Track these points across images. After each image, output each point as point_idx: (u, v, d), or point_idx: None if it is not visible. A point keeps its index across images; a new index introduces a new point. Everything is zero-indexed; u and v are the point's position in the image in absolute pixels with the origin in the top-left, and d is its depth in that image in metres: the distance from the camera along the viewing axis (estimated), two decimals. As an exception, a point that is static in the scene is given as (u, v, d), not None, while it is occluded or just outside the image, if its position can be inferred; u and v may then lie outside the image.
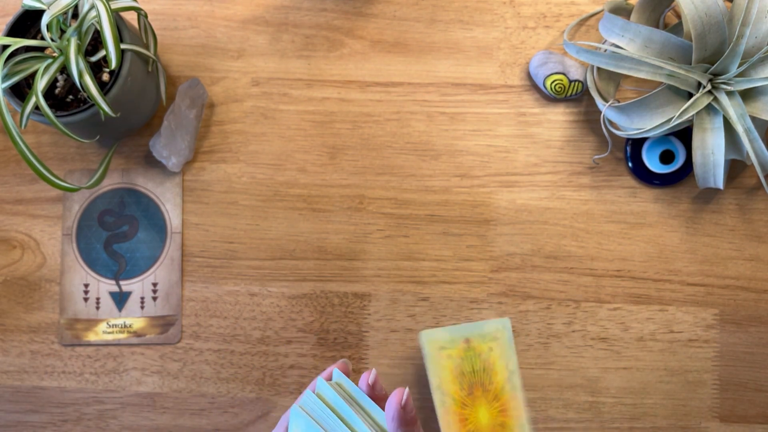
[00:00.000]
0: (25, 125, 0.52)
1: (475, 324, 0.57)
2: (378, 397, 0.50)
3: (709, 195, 0.62)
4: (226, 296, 0.63)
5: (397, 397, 0.46)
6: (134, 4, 0.55)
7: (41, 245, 0.64)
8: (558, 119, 0.63)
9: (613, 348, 0.62)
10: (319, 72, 0.64)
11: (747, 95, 0.57)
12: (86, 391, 0.63)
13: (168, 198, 0.64)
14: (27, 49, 0.56)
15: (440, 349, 0.56)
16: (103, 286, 0.64)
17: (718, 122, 0.57)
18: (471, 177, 0.63)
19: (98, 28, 0.51)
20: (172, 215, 0.64)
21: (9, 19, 0.56)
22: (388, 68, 0.64)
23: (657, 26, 0.62)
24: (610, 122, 0.62)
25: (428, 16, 0.64)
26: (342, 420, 0.48)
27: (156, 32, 0.61)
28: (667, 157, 0.62)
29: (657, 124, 0.57)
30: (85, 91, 0.52)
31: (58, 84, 0.57)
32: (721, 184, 0.58)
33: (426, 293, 0.62)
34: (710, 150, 0.58)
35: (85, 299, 0.63)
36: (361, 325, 0.63)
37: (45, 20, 0.52)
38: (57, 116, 0.53)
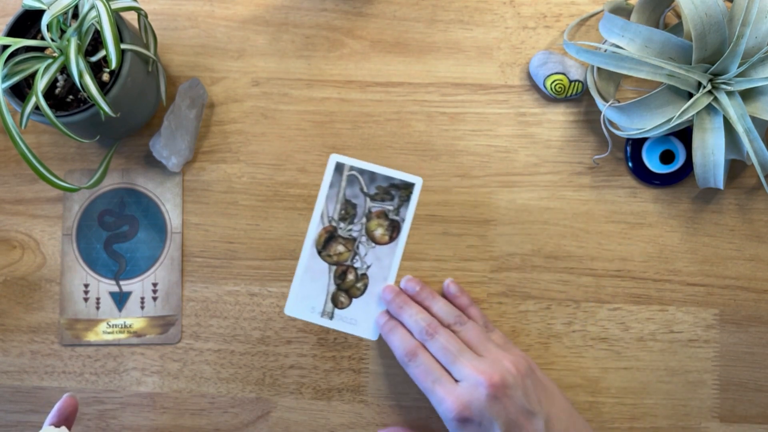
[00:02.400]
0: (25, 125, 0.52)
1: None
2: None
3: (709, 195, 0.62)
4: (226, 296, 0.63)
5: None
6: (134, 4, 0.55)
7: (41, 245, 0.64)
8: (558, 119, 0.63)
9: (613, 348, 0.62)
10: (319, 72, 0.64)
11: (747, 95, 0.57)
12: (86, 391, 0.63)
13: (168, 198, 0.64)
14: (27, 49, 0.56)
15: None
16: (103, 286, 0.64)
17: (718, 122, 0.57)
18: (471, 177, 0.63)
19: (98, 28, 0.51)
20: (172, 215, 0.64)
21: (9, 19, 0.56)
22: (388, 68, 0.64)
23: (657, 26, 0.62)
24: (610, 122, 0.62)
25: (428, 16, 0.64)
26: None
27: (156, 32, 0.61)
28: (667, 157, 0.62)
29: (657, 124, 0.57)
30: (85, 91, 0.52)
31: (58, 84, 0.57)
32: (721, 184, 0.58)
33: (426, 293, 0.62)
34: (710, 150, 0.58)
35: (85, 299, 0.63)
36: (361, 325, 0.63)
37: (45, 20, 0.52)
38: (57, 116, 0.53)
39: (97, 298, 0.63)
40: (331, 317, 0.60)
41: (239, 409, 0.63)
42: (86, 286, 0.64)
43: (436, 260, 0.62)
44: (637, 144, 0.62)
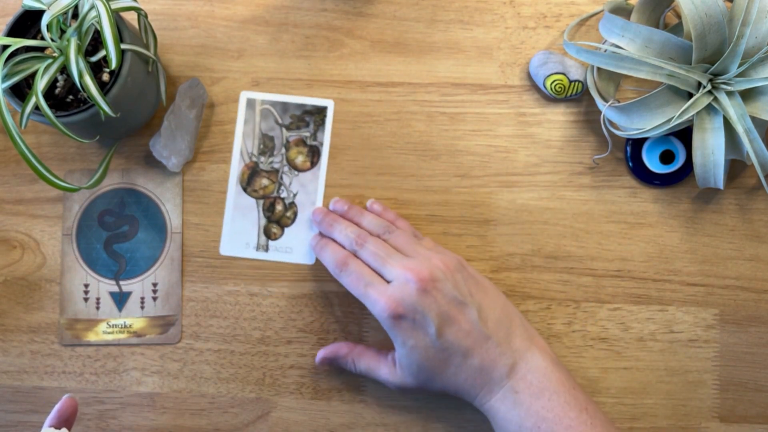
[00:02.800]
0: (25, 125, 0.52)
1: None
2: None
3: (709, 195, 0.62)
4: (226, 296, 0.63)
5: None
6: (134, 4, 0.55)
7: (41, 245, 0.64)
8: (558, 119, 0.63)
9: (613, 348, 0.62)
10: (319, 72, 0.64)
11: (747, 95, 0.57)
12: (86, 391, 0.63)
13: (168, 198, 0.64)
14: (27, 49, 0.56)
15: None
16: (103, 286, 0.64)
17: (718, 122, 0.57)
18: (471, 177, 0.63)
19: (98, 28, 0.51)
20: (172, 215, 0.64)
21: (9, 19, 0.56)
22: (388, 68, 0.64)
23: (657, 26, 0.62)
24: (610, 122, 0.62)
25: (428, 16, 0.64)
26: None
27: (156, 32, 0.61)
28: (667, 157, 0.62)
29: (657, 124, 0.57)
30: (85, 91, 0.52)
31: (58, 84, 0.57)
32: (721, 184, 0.58)
33: (426, 293, 0.62)
34: (710, 150, 0.58)
35: (85, 299, 0.63)
36: (361, 325, 0.63)
37: (45, 20, 0.52)
38: (57, 116, 0.53)
39: (97, 298, 0.63)
40: (267, 249, 0.61)
41: (239, 409, 0.63)
42: (86, 286, 0.64)
43: (436, 260, 0.62)
44: (637, 144, 0.62)
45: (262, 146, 0.60)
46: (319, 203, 0.62)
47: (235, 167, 0.61)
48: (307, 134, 0.60)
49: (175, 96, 0.63)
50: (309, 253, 0.62)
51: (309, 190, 0.62)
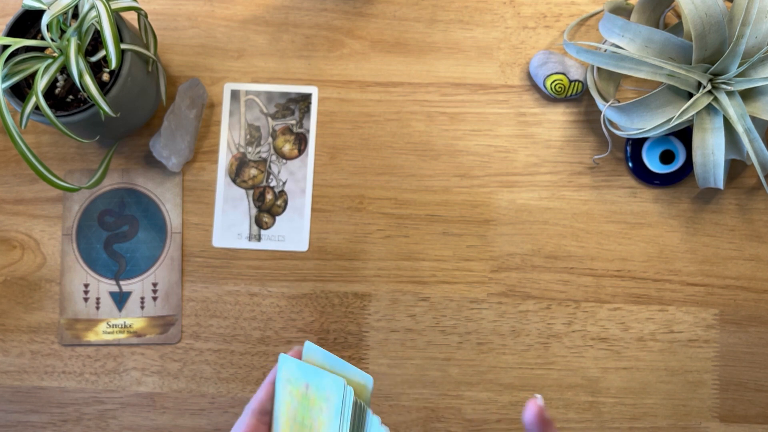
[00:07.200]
0: (25, 125, 0.52)
1: (339, 367, 0.45)
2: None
3: (709, 195, 0.62)
4: (226, 296, 0.63)
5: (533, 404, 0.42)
6: (134, 4, 0.55)
7: (41, 245, 0.64)
8: (558, 119, 0.63)
9: (613, 348, 0.62)
10: (319, 72, 0.64)
11: (747, 95, 0.57)
12: (86, 391, 0.63)
13: (168, 198, 0.64)
14: (27, 49, 0.56)
15: (287, 381, 0.46)
16: (103, 286, 0.64)
17: (718, 122, 0.57)
18: (471, 177, 0.63)
19: (98, 28, 0.51)
20: (172, 215, 0.64)
21: (9, 19, 0.56)
22: (388, 68, 0.64)
23: (657, 26, 0.62)
24: (610, 122, 0.62)
25: (428, 16, 0.64)
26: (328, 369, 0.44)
27: (156, 32, 0.61)
28: (667, 157, 0.62)
29: (657, 124, 0.57)
30: (85, 91, 0.52)
31: (58, 84, 0.57)
32: (721, 184, 0.58)
33: (426, 293, 0.62)
34: (710, 150, 0.58)
35: (85, 299, 0.63)
36: (361, 325, 0.63)
37: (45, 20, 0.52)
38: (57, 116, 0.53)
39: (97, 298, 0.63)
40: (259, 239, 0.61)
41: (239, 409, 0.63)
42: (86, 286, 0.64)
43: (436, 260, 0.62)
44: (637, 144, 0.62)
45: (248, 136, 0.61)
46: (309, 191, 0.62)
47: (223, 159, 0.61)
48: (293, 122, 0.60)
49: (175, 96, 0.63)
50: (302, 240, 0.62)
51: (298, 178, 0.62)
